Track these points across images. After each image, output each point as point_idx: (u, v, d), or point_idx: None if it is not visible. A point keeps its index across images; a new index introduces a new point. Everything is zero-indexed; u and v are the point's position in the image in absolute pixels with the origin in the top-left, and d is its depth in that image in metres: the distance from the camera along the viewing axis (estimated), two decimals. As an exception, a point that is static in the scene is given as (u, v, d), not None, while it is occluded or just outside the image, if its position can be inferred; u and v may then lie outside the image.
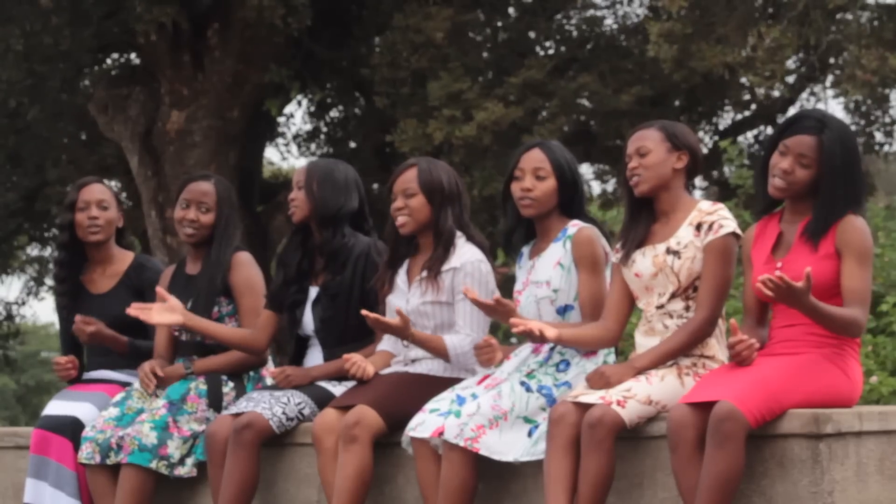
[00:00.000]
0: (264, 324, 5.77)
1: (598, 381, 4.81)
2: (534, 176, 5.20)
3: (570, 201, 5.24)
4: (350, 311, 5.63)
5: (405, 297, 5.47)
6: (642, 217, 5.02)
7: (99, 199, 6.17)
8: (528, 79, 14.89)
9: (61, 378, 6.24)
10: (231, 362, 5.86)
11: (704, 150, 17.00)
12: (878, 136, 16.81)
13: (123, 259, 6.25)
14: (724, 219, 4.89)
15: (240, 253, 5.91)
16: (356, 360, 5.42)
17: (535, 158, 5.22)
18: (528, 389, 5.03)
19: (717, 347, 4.93)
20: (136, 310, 5.62)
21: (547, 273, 5.18)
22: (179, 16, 15.23)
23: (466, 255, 5.40)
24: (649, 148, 4.95)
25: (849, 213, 4.68)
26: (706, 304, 4.85)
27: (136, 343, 6.09)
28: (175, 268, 6.09)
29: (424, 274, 5.42)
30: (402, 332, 5.28)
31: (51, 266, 21.56)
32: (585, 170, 19.44)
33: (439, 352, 5.37)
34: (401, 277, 5.52)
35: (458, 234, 5.46)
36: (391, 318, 5.50)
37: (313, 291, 5.75)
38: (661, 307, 4.95)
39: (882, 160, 17.53)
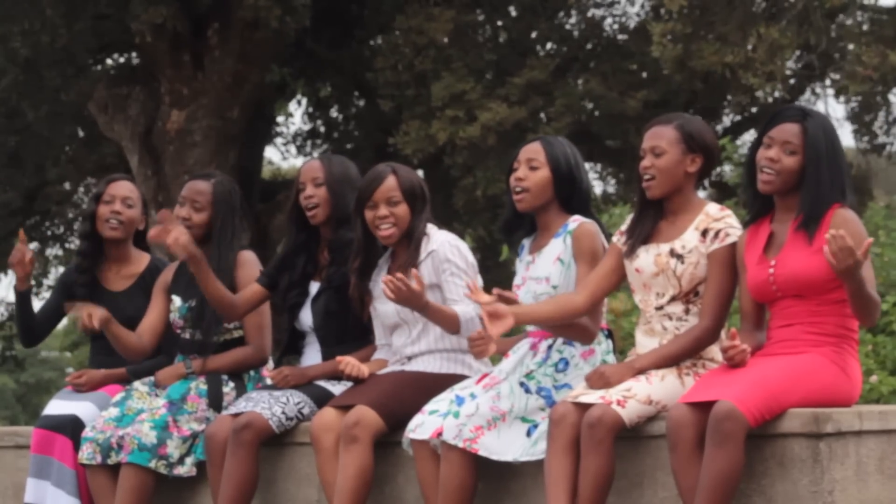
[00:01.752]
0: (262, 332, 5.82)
1: (598, 381, 4.80)
2: (527, 167, 5.20)
3: (570, 197, 5.22)
4: (350, 305, 5.62)
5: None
6: (650, 213, 5.00)
7: (125, 195, 6.16)
8: (532, 79, 14.89)
9: (73, 387, 6.19)
10: (232, 363, 5.86)
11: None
12: (882, 137, 16.82)
13: (140, 260, 6.24)
14: (731, 227, 4.88)
15: (244, 252, 5.89)
16: (349, 361, 5.42)
17: (531, 150, 5.22)
18: (528, 391, 5.02)
19: (716, 349, 4.93)
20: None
21: (546, 269, 5.17)
22: (175, 18, 15.21)
23: (441, 238, 5.40)
24: (664, 149, 4.91)
25: (838, 205, 4.68)
26: (710, 312, 4.83)
27: (133, 369, 6.09)
28: (178, 265, 6.06)
29: (399, 267, 5.41)
30: (421, 298, 5.15)
31: (50, 265, 21.58)
32: (588, 170, 19.44)
33: (451, 322, 5.29)
34: (380, 286, 5.48)
35: (429, 224, 5.47)
36: (383, 322, 5.50)
37: (313, 287, 5.74)
38: (660, 308, 4.94)
39: (884, 160, 17.54)
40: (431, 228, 5.47)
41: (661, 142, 4.93)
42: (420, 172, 12.09)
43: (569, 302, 4.94)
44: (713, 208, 4.94)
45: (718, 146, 5.09)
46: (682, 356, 4.86)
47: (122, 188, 6.18)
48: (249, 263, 5.86)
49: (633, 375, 4.81)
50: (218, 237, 5.84)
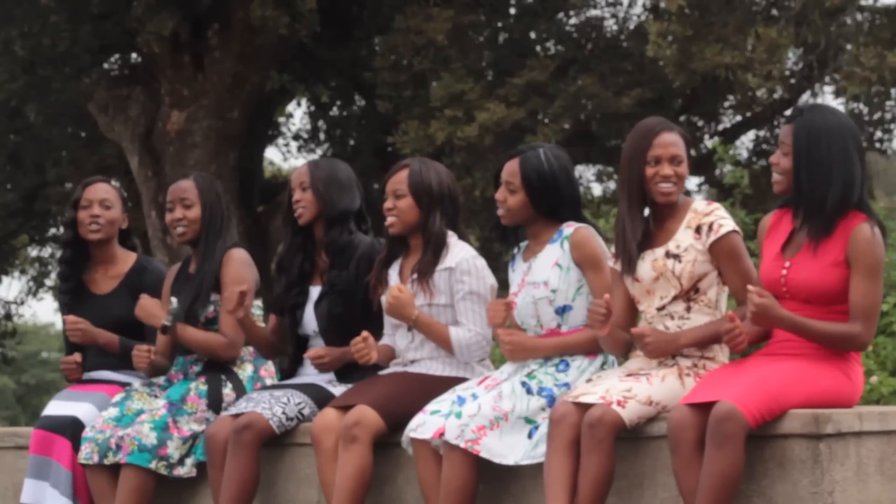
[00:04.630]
0: (236, 329, 5.76)
1: (651, 349, 4.81)
2: (506, 189, 5.20)
3: (551, 209, 5.19)
4: (355, 309, 5.62)
5: (400, 297, 5.47)
6: (641, 221, 4.99)
7: (102, 197, 6.18)
8: (531, 80, 14.89)
9: (68, 377, 6.21)
10: (205, 342, 5.81)
11: (704, 151, 17.02)
12: (878, 134, 16.83)
13: (126, 260, 6.25)
14: (722, 218, 4.87)
15: (233, 250, 5.89)
16: (367, 343, 5.36)
17: (509, 171, 5.20)
18: (529, 391, 5.02)
19: (717, 348, 4.92)
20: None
21: (544, 273, 5.17)
22: (180, 25, 15.22)
23: (461, 254, 5.40)
24: (682, 157, 4.90)
25: (863, 217, 4.63)
26: (744, 298, 4.77)
27: (127, 341, 6.08)
28: (179, 267, 6.09)
29: (415, 276, 5.41)
30: (409, 308, 5.31)
31: (51, 266, 21.60)
32: (586, 171, 19.43)
33: (442, 339, 5.35)
34: (393, 278, 5.52)
35: (450, 233, 5.45)
36: (386, 318, 5.51)
37: (314, 291, 5.74)
38: (661, 308, 4.94)
39: (884, 159, 17.54)
40: (452, 238, 5.45)
41: (680, 150, 4.91)
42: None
43: (620, 339, 4.99)
44: (700, 205, 4.93)
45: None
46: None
47: (99, 191, 6.19)
48: (236, 261, 5.84)
49: (679, 348, 4.82)
50: (208, 229, 5.87)
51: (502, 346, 5.17)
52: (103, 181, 6.28)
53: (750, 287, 4.58)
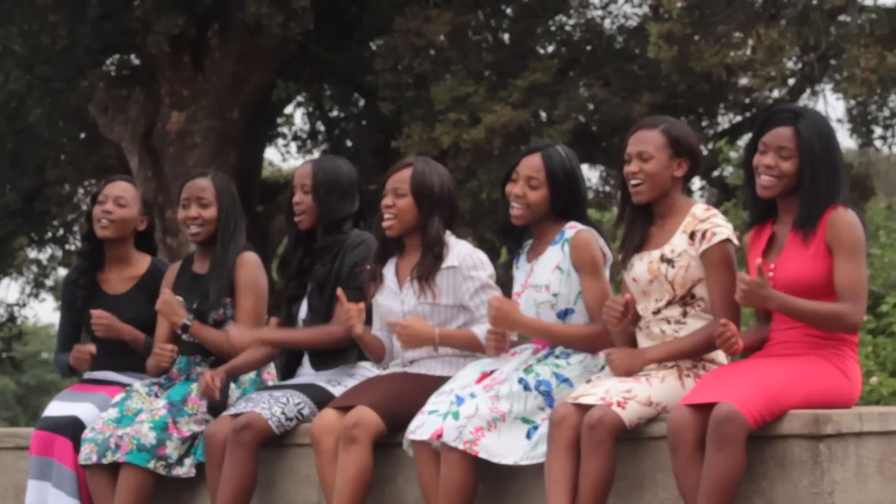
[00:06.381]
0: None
1: (619, 368, 4.82)
2: (527, 184, 5.17)
3: (565, 208, 5.19)
4: (333, 302, 5.61)
5: (398, 297, 5.46)
6: (639, 220, 4.99)
7: (118, 195, 6.15)
8: (534, 81, 14.89)
9: (76, 367, 6.12)
10: (223, 343, 5.81)
11: (704, 151, 17.02)
12: (878, 131, 16.84)
13: (141, 262, 6.23)
14: (717, 226, 4.86)
15: (246, 253, 5.88)
16: (360, 316, 5.36)
17: (531, 166, 5.17)
18: (527, 387, 5.01)
19: (718, 350, 4.92)
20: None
21: (546, 277, 5.16)
22: (187, 24, 15.24)
23: (462, 251, 5.39)
24: (651, 154, 4.89)
25: (835, 205, 4.66)
26: (720, 312, 4.81)
27: (151, 340, 6.05)
28: (181, 265, 6.07)
29: (416, 275, 5.40)
30: (426, 332, 5.29)
31: (50, 267, 21.59)
32: (587, 171, 19.43)
33: (471, 343, 5.33)
34: (389, 277, 5.50)
35: (447, 232, 5.44)
36: (378, 316, 5.50)
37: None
38: (657, 312, 4.94)
39: (885, 160, 17.55)
40: (450, 238, 5.44)
41: (648, 146, 4.90)
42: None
43: (630, 334, 5.00)
44: (699, 209, 4.92)
45: (701, 150, 5.08)
46: (695, 351, 4.84)
47: (116, 188, 6.17)
48: (250, 265, 5.85)
49: (644, 363, 4.83)
50: (223, 231, 5.87)
51: (489, 310, 5.15)
52: (125, 180, 6.25)
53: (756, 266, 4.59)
